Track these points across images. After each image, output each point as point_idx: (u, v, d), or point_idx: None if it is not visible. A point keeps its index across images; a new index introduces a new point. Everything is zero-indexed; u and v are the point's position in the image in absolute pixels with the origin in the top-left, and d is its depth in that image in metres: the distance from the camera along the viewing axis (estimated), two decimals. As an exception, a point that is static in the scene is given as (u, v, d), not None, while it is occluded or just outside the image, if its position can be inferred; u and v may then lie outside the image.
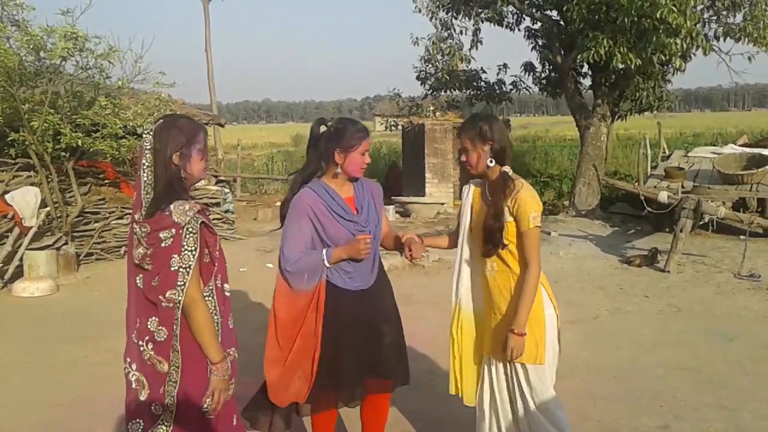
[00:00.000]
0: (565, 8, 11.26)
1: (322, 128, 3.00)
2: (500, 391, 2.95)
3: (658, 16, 9.66)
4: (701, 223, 8.81)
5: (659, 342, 5.35)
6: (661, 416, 3.98)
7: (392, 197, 13.71)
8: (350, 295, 2.95)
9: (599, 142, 12.53)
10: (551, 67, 13.43)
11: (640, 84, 12.78)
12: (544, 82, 13.92)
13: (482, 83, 14.18)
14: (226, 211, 10.80)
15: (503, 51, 15.41)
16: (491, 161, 2.86)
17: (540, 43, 13.44)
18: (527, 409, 2.87)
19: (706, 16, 11.55)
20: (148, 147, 2.27)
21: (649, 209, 9.73)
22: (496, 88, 14.19)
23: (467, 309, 3.05)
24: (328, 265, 2.87)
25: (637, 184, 11.09)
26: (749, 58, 11.43)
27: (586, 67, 12.80)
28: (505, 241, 2.81)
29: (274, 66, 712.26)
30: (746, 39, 10.93)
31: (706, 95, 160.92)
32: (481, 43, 13.47)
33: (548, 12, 12.88)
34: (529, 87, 14.28)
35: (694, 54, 11.65)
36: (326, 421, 3.11)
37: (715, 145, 16.25)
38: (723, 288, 7.23)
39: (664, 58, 10.91)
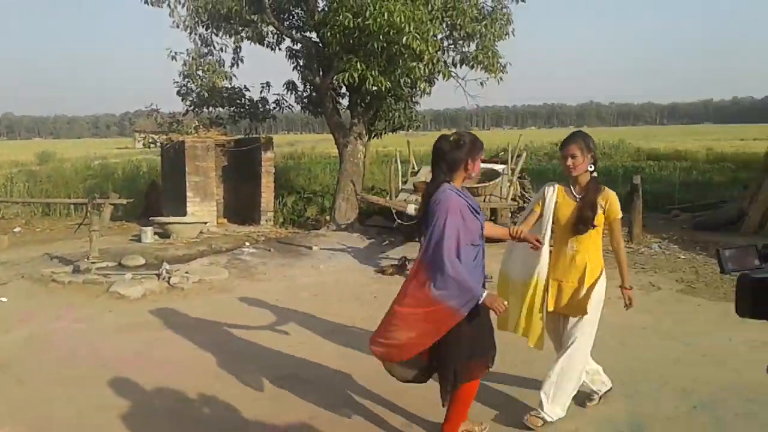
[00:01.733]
0: (322, 32, 11.75)
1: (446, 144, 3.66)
2: (565, 339, 4.05)
3: (403, 42, 10.51)
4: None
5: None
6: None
7: (150, 218, 12.99)
8: None
9: (357, 159, 13.20)
10: (312, 87, 13.86)
11: (392, 105, 13.77)
12: (305, 101, 14.29)
13: (246, 101, 14.19)
14: (-51, 239, 9.38)
15: (267, 69, 15.56)
16: (591, 167, 3.94)
17: (301, 64, 13.79)
18: (571, 350, 3.98)
19: (445, 44, 12.85)
20: None
21: (400, 221, 10.45)
22: (260, 106, 14.28)
23: (543, 279, 4.02)
24: (480, 302, 3.42)
25: (388, 198, 11.80)
26: (481, 84, 12.86)
27: (343, 88, 13.42)
28: (595, 224, 3.93)
29: (18, 77, 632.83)
30: (478, 66, 12.38)
31: (453, 116, 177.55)
32: (242, 61, 13.51)
33: (308, 34, 13.31)
34: (292, 105, 14.57)
35: (437, 78, 12.85)
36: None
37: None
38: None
39: (410, 82, 11.91)
